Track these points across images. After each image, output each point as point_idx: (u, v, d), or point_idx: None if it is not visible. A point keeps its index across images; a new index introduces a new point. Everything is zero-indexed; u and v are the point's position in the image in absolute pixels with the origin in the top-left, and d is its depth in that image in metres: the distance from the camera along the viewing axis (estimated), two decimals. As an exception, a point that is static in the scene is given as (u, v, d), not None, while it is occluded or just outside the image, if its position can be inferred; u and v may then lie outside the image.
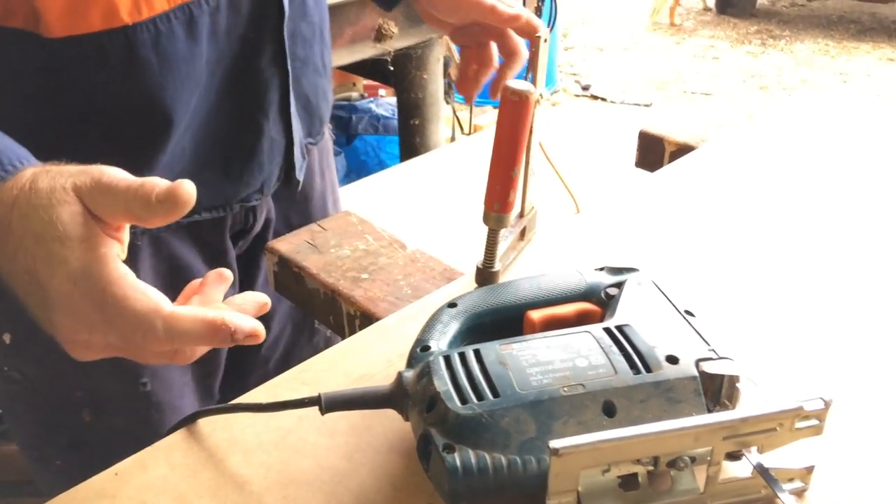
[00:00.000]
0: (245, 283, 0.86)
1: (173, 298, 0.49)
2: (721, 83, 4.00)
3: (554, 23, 0.76)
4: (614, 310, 0.54)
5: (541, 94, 0.65)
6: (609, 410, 0.46)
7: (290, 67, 0.76)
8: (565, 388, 0.46)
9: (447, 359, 0.49)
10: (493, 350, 0.49)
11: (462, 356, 0.49)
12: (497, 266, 0.66)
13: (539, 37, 0.66)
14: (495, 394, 0.46)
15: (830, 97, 3.75)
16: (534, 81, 0.63)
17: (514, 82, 0.59)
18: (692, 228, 0.77)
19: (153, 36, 0.63)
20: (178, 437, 0.52)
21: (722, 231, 0.76)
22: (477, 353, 0.49)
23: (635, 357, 0.48)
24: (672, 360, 0.48)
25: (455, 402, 0.46)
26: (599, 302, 0.56)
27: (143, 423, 0.79)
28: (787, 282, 0.69)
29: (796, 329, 0.62)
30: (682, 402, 0.47)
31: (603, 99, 3.69)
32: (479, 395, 0.46)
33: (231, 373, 0.88)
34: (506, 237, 0.69)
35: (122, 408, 0.79)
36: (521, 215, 0.72)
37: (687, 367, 0.48)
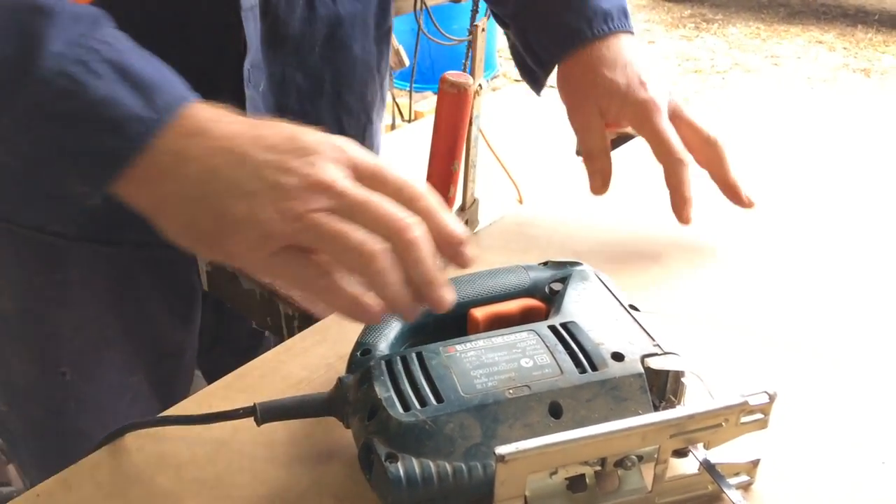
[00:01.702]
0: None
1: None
2: (656, 67, 4.06)
3: (492, 10, 0.75)
4: (559, 306, 0.53)
5: (479, 85, 0.64)
6: (555, 412, 0.45)
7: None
8: (510, 391, 0.45)
9: (388, 363, 0.47)
10: (436, 352, 0.48)
11: (404, 360, 0.47)
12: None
13: (480, 28, 0.64)
14: (439, 399, 0.45)
15: (763, 80, 3.84)
16: (472, 72, 0.62)
17: (452, 74, 0.57)
18: (634, 218, 0.76)
19: None
20: (103, 453, 0.49)
21: (664, 220, 0.75)
22: (420, 356, 0.48)
23: (581, 355, 0.47)
24: (617, 357, 0.48)
25: (397, 409, 0.44)
26: (544, 298, 0.55)
27: (60, 416, 0.76)
28: (730, 273, 0.69)
29: (740, 322, 0.63)
30: (628, 399, 0.46)
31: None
32: (423, 401, 0.45)
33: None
34: (447, 231, 0.67)
35: (38, 397, 0.76)
36: (463, 208, 0.71)
37: (632, 365, 0.47)
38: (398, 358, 0.47)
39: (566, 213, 0.77)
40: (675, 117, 0.70)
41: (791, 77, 3.89)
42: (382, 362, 0.47)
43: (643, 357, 0.48)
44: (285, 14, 0.68)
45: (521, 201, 0.88)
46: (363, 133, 0.82)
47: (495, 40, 3.77)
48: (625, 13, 0.72)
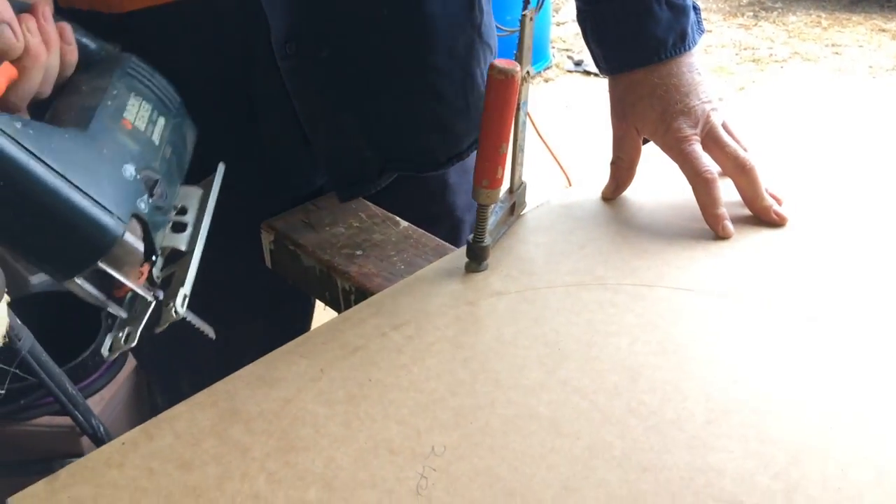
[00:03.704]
0: None
1: None
2: (713, 56, 4.00)
3: None
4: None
5: (528, 72, 0.67)
6: None
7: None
8: None
9: None
10: None
11: None
12: (487, 241, 0.68)
13: (528, 17, 0.67)
14: None
15: (823, 70, 3.75)
16: (520, 59, 0.65)
17: (500, 61, 0.61)
18: (682, 201, 0.78)
19: None
20: (181, 408, 0.54)
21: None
22: None
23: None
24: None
25: None
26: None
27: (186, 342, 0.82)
28: (781, 256, 0.70)
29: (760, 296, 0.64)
30: None
31: (596, 74, 3.69)
32: None
33: None
34: (496, 212, 0.70)
35: None
36: (511, 191, 0.74)
37: None
38: None
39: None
40: (710, 140, 0.75)
41: (852, 66, 3.80)
42: None
43: None
44: None
45: (569, 185, 0.91)
46: (464, 89, 0.80)
47: (548, 31, 3.77)
48: (682, 37, 0.74)
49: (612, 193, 0.78)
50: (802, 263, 0.69)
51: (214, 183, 0.66)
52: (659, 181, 0.81)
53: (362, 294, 0.70)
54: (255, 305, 0.88)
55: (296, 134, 0.77)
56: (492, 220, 0.69)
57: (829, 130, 0.91)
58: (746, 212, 0.74)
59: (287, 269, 0.78)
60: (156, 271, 0.58)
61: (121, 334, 0.57)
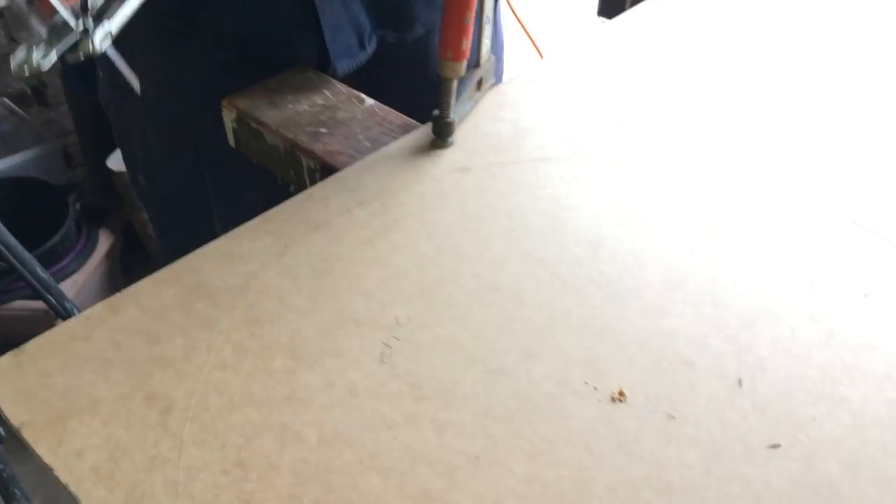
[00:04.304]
0: None
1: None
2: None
3: None
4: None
5: (493, -63, 0.64)
6: None
7: None
8: None
9: None
10: None
11: None
12: (453, 116, 0.67)
13: None
14: None
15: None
16: (485, -77, 0.62)
17: (463, -77, 0.58)
18: (652, 76, 0.77)
19: None
20: (146, 283, 0.55)
21: (684, 77, 0.76)
22: None
23: None
24: None
25: None
26: None
27: (191, 198, 0.84)
28: (749, 130, 0.70)
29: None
30: None
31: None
32: None
33: None
34: (463, 87, 0.69)
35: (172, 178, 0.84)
36: (478, 64, 0.72)
37: None
38: None
39: (585, 70, 0.79)
40: None
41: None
42: None
43: None
44: None
45: (541, 58, 0.89)
46: None
47: None
48: None
49: None
50: (761, 148, 0.69)
51: None
52: (629, 56, 0.79)
53: (327, 172, 0.69)
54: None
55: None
56: (458, 94, 0.67)
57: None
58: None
59: (250, 147, 0.77)
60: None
61: (37, 53, 0.53)
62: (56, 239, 1.40)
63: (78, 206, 1.51)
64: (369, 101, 0.76)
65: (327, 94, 0.78)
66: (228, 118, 0.77)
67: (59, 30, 0.52)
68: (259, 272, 0.56)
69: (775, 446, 0.44)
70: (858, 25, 0.86)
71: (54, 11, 0.50)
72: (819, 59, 0.80)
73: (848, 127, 0.70)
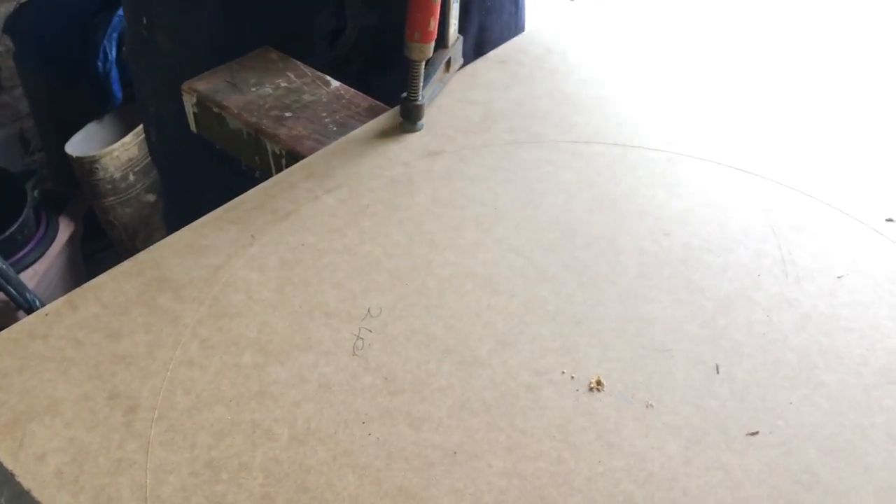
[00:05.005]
0: None
1: None
2: None
3: None
4: None
5: (460, -87, 0.62)
6: None
7: None
8: None
9: None
10: None
11: None
12: (421, 99, 0.65)
13: None
14: None
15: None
16: None
17: None
18: (623, 57, 0.76)
19: None
20: (106, 277, 0.52)
21: (657, 56, 0.75)
22: None
23: None
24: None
25: None
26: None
27: (196, 158, 0.82)
28: (721, 109, 0.70)
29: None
30: None
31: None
32: None
33: None
34: (430, 69, 0.67)
35: (178, 134, 0.82)
36: (446, 45, 0.71)
37: None
38: None
39: (556, 50, 0.77)
40: None
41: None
42: None
43: None
44: None
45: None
46: None
47: None
48: None
49: None
50: (741, 119, 0.68)
51: None
52: (600, 36, 0.78)
53: (293, 157, 0.67)
54: None
55: None
56: (426, 77, 0.66)
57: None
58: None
59: (213, 132, 0.75)
60: None
61: None
62: (14, 227, 1.36)
63: (36, 192, 1.47)
64: (335, 83, 0.75)
65: (291, 76, 0.75)
66: (189, 102, 0.75)
67: None
68: (225, 264, 0.54)
69: (754, 433, 0.44)
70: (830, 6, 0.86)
71: None
72: (791, 30, 0.79)
73: (811, 100, 0.70)
